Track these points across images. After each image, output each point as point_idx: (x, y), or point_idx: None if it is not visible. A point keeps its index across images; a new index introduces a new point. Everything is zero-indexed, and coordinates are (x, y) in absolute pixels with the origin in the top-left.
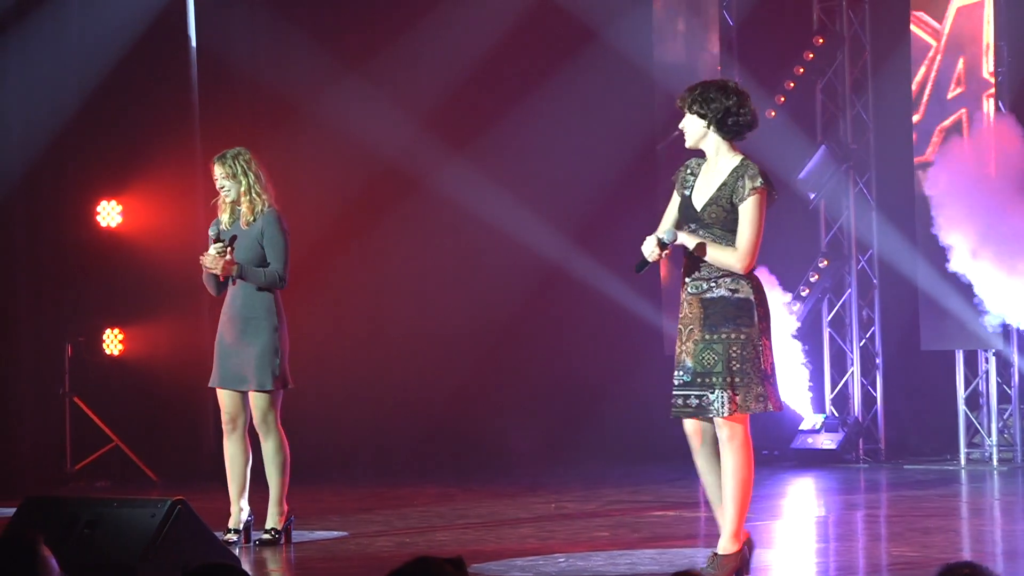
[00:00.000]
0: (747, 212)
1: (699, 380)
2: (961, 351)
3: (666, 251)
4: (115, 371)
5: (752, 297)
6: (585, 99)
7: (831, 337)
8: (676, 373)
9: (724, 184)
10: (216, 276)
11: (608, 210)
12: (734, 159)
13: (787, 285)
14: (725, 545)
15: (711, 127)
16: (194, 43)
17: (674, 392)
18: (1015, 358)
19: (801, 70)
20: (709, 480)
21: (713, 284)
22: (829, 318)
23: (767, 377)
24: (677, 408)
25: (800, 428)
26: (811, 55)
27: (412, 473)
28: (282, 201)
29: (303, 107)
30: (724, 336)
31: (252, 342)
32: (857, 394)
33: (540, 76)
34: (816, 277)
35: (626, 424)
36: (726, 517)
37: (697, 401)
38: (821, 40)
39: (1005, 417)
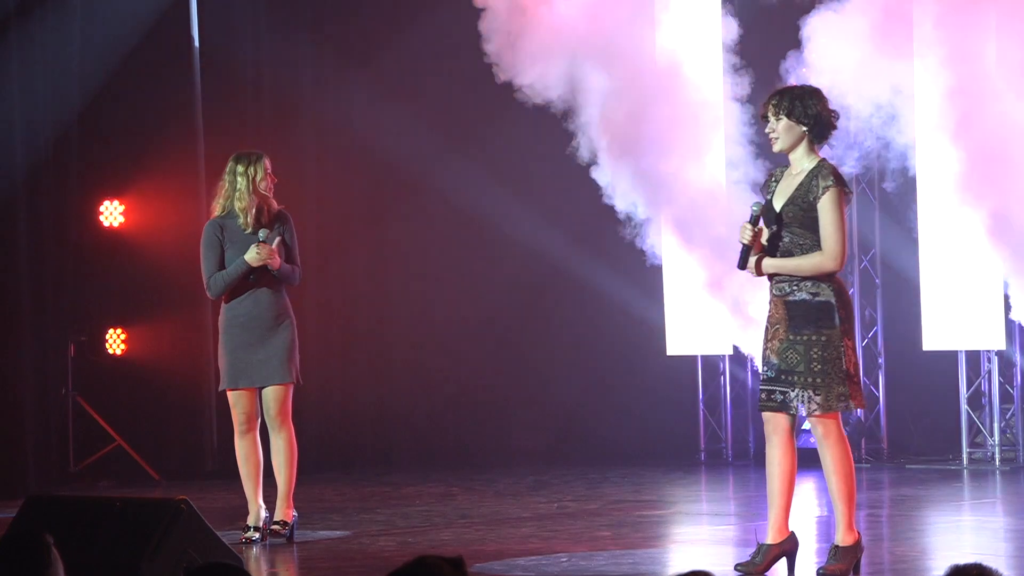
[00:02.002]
0: (825, 211)
1: (783, 377)
2: (963, 351)
3: (757, 228)
4: (118, 370)
5: (833, 300)
6: None
7: None
8: (763, 369)
9: (801, 184)
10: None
11: (610, 209)
12: (812, 161)
13: None
14: (843, 536)
15: (810, 132)
16: (197, 43)
17: (761, 387)
18: (1017, 358)
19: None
20: (772, 471)
21: (795, 287)
22: None
23: (849, 377)
24: (763, 402)
25: (802, 427)
26: None
27: (414, 472)
28: (283, 201)
29: (306, 107)
30: (806, 337)
31: (278, 338)
32: None
33: None
34: None
35: (628, 423)
36: (837, 510)
37: (781, 397)
38: None
39: (1007, 417)
